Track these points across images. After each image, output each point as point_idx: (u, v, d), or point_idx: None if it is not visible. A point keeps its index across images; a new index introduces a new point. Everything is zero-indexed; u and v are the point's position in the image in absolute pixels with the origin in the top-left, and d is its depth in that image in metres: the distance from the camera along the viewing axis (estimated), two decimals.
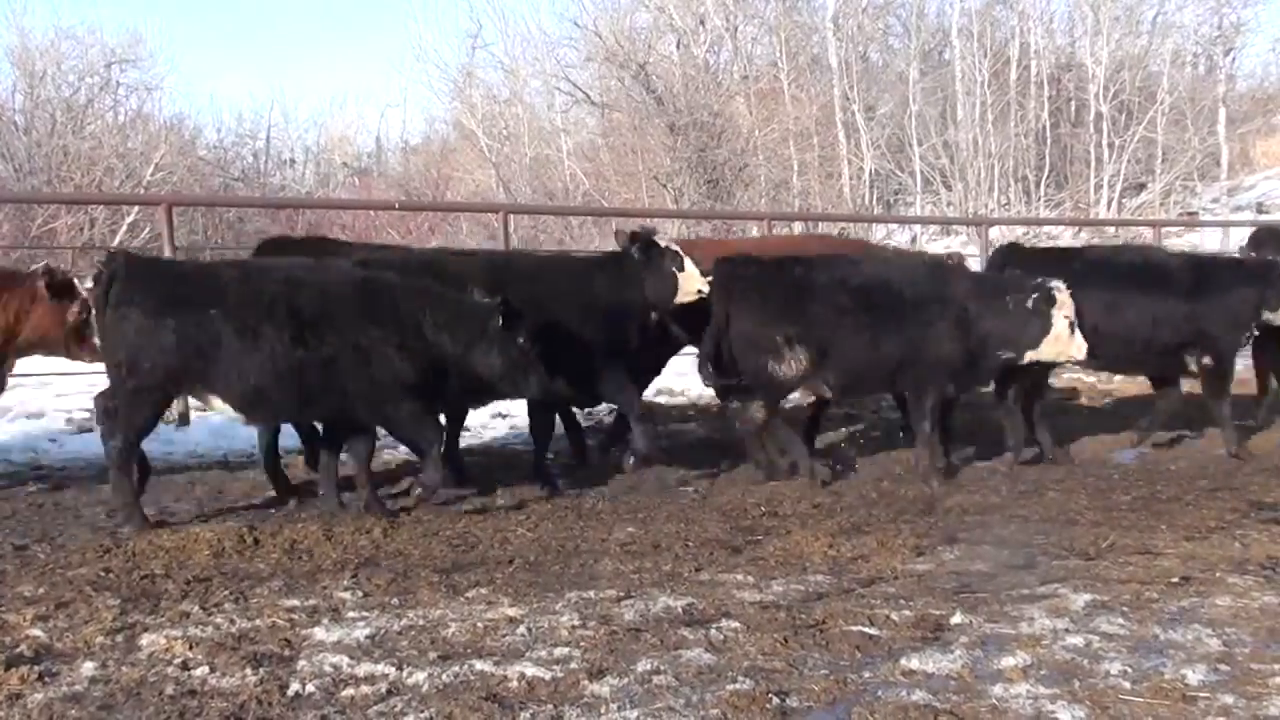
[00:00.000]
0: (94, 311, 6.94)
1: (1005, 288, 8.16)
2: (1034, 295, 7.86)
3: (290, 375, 6.65)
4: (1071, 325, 7.89)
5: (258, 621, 4.75)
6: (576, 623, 4.69)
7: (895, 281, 8.21)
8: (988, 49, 30.24)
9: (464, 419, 8.68)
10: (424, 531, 6.59)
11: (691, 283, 8.16)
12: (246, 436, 9.53)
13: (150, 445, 9.17)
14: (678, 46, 32.10)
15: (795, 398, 8.61)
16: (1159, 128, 29.70)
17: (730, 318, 8.04)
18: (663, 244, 8.27)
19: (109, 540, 6.34)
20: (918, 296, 8.08)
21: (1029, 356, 8.09)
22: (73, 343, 7.74)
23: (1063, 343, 7.92)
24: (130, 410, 6.64)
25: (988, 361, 8.15)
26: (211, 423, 9.97)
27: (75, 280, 7.79)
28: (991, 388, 8.83)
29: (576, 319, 7.82)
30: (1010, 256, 9.48)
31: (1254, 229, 10.31)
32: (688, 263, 8.20)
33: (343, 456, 7.19)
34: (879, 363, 8.06)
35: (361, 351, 6.73)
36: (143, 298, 6.57)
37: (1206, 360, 8.90)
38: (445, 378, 7.04)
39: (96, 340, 7.32)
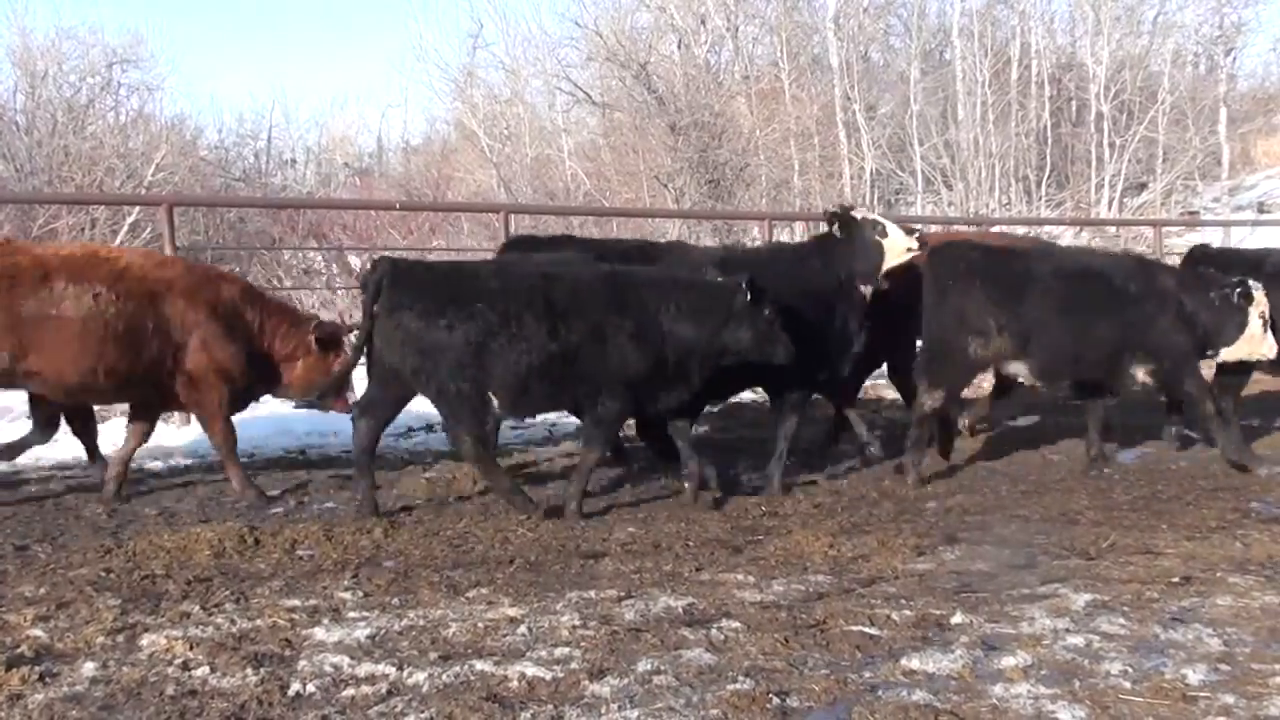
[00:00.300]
0: (362, 316, 7.12)
1: (1208, 283, 8.29)
2: (1235, 292, 8.00)
3: (549, 368, 6.82)
4: (1265, 324, 8.02)
5: (258, 621, 4.75)
6: (577, 623, 4.69)
7: (1109, 273, 8.30)
8: (988, 49, 30.24)
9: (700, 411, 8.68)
10: (425, 531, 6.59)
11: (899, 243, 8.23)
12: (246, 437, 9.55)
13: (153, 444, 9.22)
14: (679, 46, 32.10)
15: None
16: (1160, 127, 29.70)
17: (943, 298, 8.13)
18: (859, 215, 8.35)
19: (110, 540, 6.36)
20: (1136, 289, 8.19)
21: (1222, 354, 8.27)
22: (331, 394, 8.03)
23: (1255, 342, 8.08)
24: (454, 409, 6.86)
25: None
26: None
27: (342, 335, 8.09)
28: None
29: (799, 307, 7.67)
30: (1200, 257, 9.65)
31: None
32: (890, 226, 8.31)
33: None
34: (1087, 351, 8.13)
35: (607, 342, 6.92)
36: (413, 301, 6.72)
37: None
38: (698, 367, 7.19)
39: (350, 397, 7.99)
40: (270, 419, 10.10)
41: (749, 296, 7.02)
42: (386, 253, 8.63)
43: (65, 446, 9.08)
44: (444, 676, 4.06)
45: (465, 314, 6.70)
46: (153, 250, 9.18)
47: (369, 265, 6.96)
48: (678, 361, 7.07)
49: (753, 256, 9.07)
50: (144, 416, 7.87)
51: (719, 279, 7.27)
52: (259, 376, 7.89)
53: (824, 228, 8.46)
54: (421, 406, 10.64)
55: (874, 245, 8.18)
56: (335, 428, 9.47)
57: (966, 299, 8.05)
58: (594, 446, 7.20)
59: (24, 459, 8.53)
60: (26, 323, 7.10)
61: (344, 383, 7.89)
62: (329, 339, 7.96)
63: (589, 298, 6.95)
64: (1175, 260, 11.01)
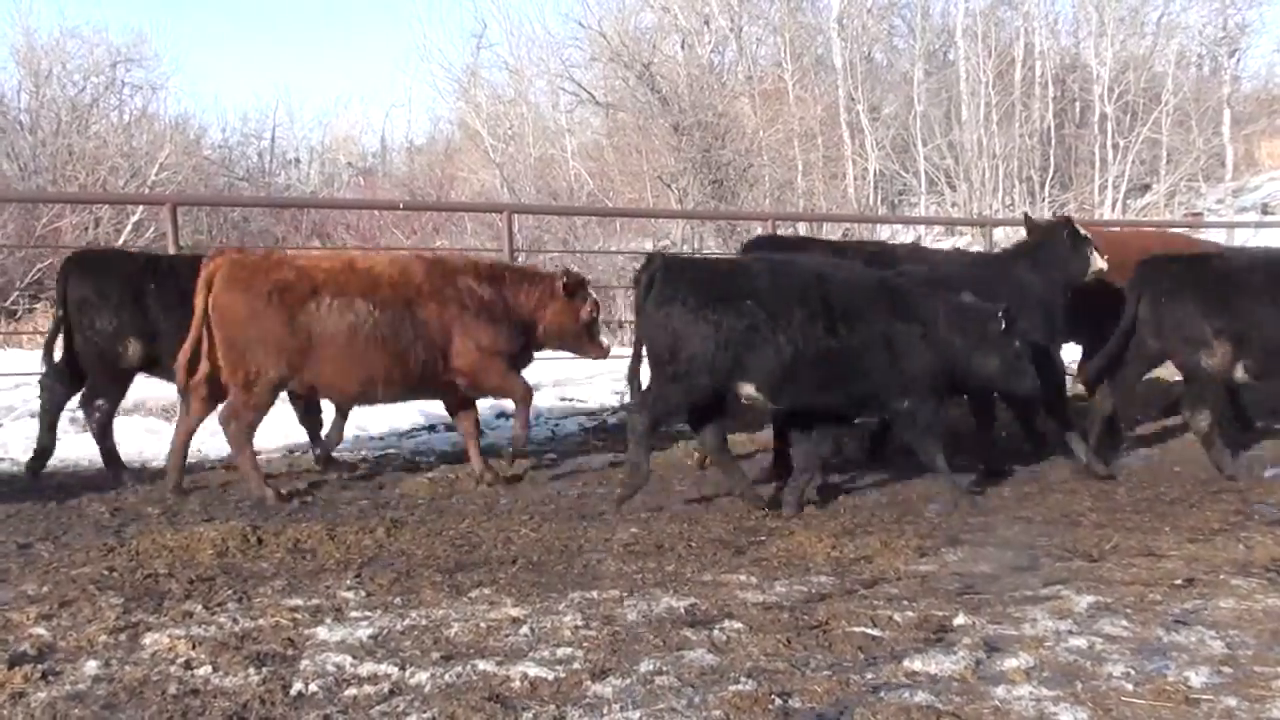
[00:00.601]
0: (634, 309, 7.36)
1: None
2: None
3: (814, 363, 6.98)
4: None
5: (261, 621, 4.76)
6: (579, 623, 4.69)
7: None
8: (992, 50, 30.24)
9: None
10: (427, 531, 6.60)
11: (1097, 262, 8.55)
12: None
13: (152, 444, 9.23)
14: (682, 47, 32.14)
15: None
16: (1164, 129, 29.69)
17: (1157, 315, 8.20)
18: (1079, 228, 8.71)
19: (112, 539, 6.37)
20: None
21: None
22: (585, 340, 8.58)
23: None
24: (663, 393, 7.07)
25: None
26: (212, 424, 9.99)
27: (587, 282, 8.62)
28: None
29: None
30: None
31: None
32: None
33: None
34: None
35: (887, 343, 7.10)
36: (684, 295, 6.93)
37: None
38: (946, 382, 7.38)
39: (604, 340, 8.80)
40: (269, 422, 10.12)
41: (1002, 325, 7.18)
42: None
43: (69, 445, 9.10)
44: (446, 676, 4.06)
45: (733, 309, 6.91)
46: (395, 255, 9.62)
47: (643, 262, 7.24)
48: (940, 373, 7.27)
49: (967, 261, 9.51)
50: (465, 408, 8.35)
51: (976, 302, 7.42)
52: (523, 340, 8.31)
53: (1020, 233, 8.70)
54: (424, 406, 10.68)
55: (1086, 257, 8.53)
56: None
57: (1182, 311, 8.14)
58: (926, 449, 7.36)
59: (28, 457, 8.55)
60: (301, 337, 7.53)
61: (595, 329, 8.58)
62: (575, 287, 8.38)
63: (868, 300, 7.15)
64: None
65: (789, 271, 7.23)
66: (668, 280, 7.00)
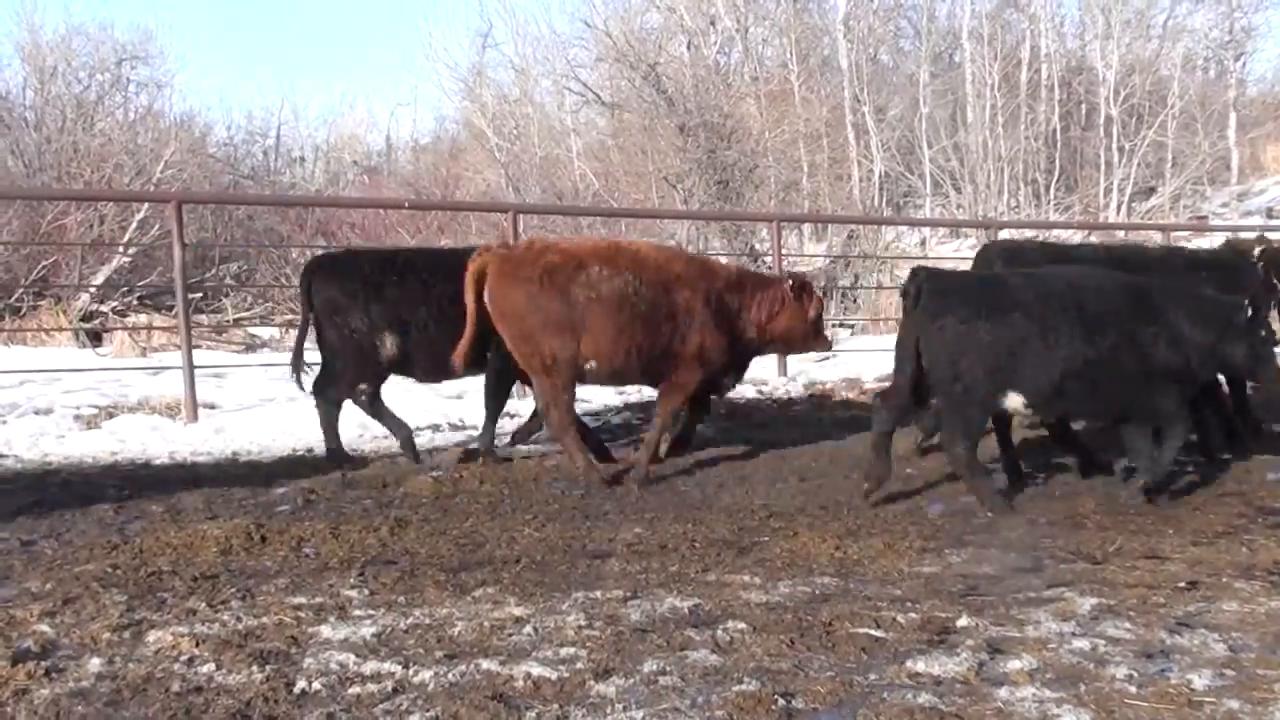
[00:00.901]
0: (902, 322, 7.52)
1: None
2: None
3: (1083, 372, 7.07)
4: None
5: (264, 619, 4.76)
6: (583, 623, 4.70)
7: None
8: (998, 52, 30.28)
9: None
10: (431, 530, 6.60)
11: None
12: (249, 435, 9.58)
13: (153, 444, 9.24)
14: (688, 47, 32.12)
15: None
16: (1169, 132, 29.72)
17: None
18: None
19: (116, 537, 6.37)
20: None
21: None
22: (812, 337, 8.91)
23: None
24: (963, 415, 7.14)
25: None
26: (216, 421, 10.01)
27: (812, 283, 8.93)
28: None
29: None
30: None
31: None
32: None
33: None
34: None
35: (1140, 348, 7.18)
36: (954, 308, 7.04)
37: None
38: (1194, 376, 7.49)
39: (829, 334, 9.24)
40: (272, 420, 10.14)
41: (1247, 315, 7.39)
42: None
43: (72, 443, 9.12)
44: (449, 675, 4.07)
45: (1003, 321, 7.01)
46: (658, 242, 10.19)
47: (909, 274, 7.40)
48: (1185, 368, 7.35)
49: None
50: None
51: (1219, 295, 7.66)
52: (734, 358, 8.67)
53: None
54: (427, 404, 10.68)
55: (1273, 288, 8.96)
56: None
57: None
58: (1171, 447, 7.40)
59: (31, 455, 8.58)
60: (577, 310, 7.96)
61: (820, 324, 8.91)
62: (801, 287, 8.68)
63: (1120, 305, 7.24)
64: None
65: (1049, 281, 7.40)
66: (936, 293, 7.12)
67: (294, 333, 9.70)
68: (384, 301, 8.54)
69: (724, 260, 10.25)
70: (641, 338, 8.07)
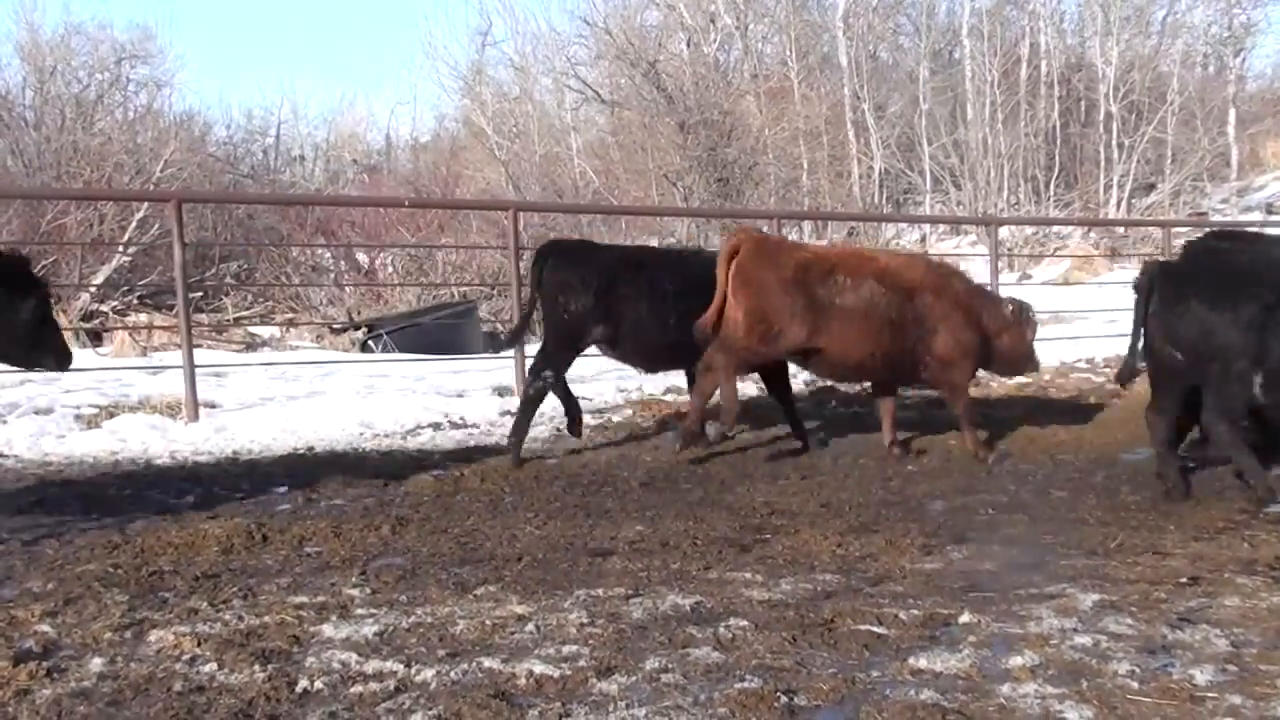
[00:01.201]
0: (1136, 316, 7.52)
1: None
2: None
3: None
4: None
5: (266, 618, 4.76)
6: (585, 620, 4.70)
7: None
8: (998, 49, 30.29)
9: None
10: (432, 529, 6.60)
11: None
12: (250, 434, 9.58)
13: (154, 443, 9.24)
14: (688, 45, 32.15)
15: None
16: (1169, 128, 29.73)
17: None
18: None
19: (117, 536, 6.37)
20: None
21: None
22: (1026, 360, 9.25)
23: None
24: (1228, 392, 7.02)
25: None
26: (216, 420, 10.01)
27: (1030, 307, 9.24)
28: None
29: None
30: None
31: None
32: None
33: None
34: None
35: None
36: (1196, 291, 7.04)
37: None
38: None
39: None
40: (273, 419, 10.13)
41: None
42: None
43: (73, 442, 9.12)
44: (452, 674, 4.07)
45: (1256, 303, 6.92)
46: (900, 251, 10.44)
47: (1142, 267, 7.52)
48: None
49: None
50: (888, 392, 9.18)
51: None
52: (983, 356, 9.03)
53: None
54: (428, 403, 10.69)
55: None
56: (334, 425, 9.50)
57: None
58: None
59: (31, 454, 8.56)
60: (820, 309, 8.41)
61: (1033, 349, 9.20)
62: (1020, 311, 9.06)
63: None
64: None
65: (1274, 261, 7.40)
66: (1168, 280, 7.18)
67: (294, 332, 9.71)
68: (607, 295, 8.73)
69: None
70: (887, 340, 8.56)
